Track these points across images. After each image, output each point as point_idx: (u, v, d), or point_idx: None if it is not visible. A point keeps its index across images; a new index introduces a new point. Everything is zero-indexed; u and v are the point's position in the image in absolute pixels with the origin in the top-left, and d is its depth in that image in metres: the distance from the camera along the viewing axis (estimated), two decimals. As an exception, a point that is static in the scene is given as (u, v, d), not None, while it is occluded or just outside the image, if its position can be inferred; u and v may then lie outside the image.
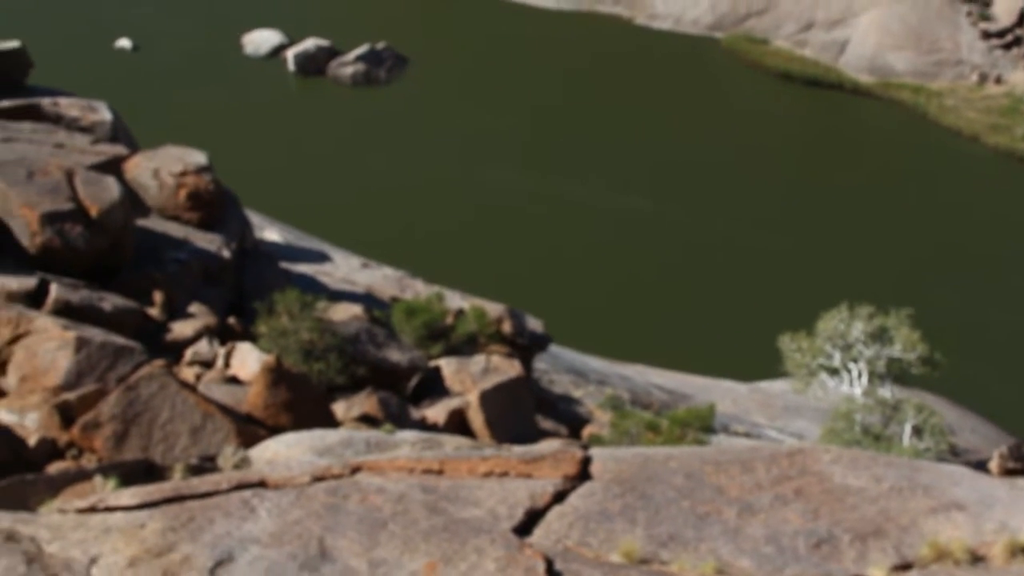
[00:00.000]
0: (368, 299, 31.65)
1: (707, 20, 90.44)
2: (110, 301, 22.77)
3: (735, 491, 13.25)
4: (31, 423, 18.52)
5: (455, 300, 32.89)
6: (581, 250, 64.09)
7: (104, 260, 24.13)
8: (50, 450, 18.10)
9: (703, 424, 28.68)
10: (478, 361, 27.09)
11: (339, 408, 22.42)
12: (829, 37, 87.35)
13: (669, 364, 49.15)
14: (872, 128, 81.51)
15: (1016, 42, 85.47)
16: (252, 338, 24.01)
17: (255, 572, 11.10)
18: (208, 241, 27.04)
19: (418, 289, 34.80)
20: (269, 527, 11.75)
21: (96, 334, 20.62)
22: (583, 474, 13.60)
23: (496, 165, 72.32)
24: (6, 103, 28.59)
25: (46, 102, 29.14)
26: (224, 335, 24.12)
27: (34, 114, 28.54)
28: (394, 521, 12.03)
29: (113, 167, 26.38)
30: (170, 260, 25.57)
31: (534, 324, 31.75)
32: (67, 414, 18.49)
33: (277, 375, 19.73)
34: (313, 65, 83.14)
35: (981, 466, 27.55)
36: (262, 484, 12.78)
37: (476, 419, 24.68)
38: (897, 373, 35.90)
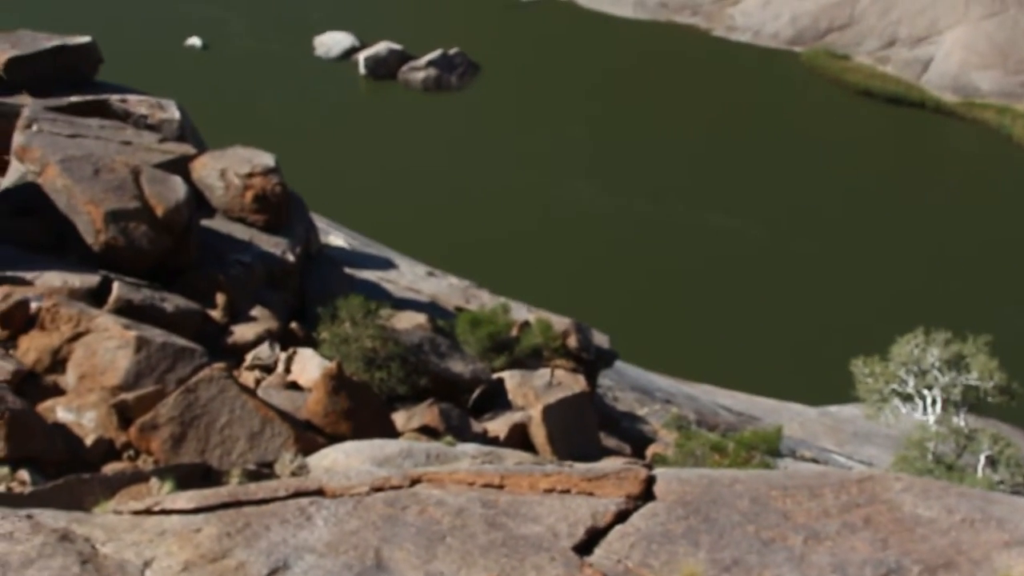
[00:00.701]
0: (432, 308, 31.34)
1: (787, 34, 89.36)
2: (172, 302, 22.63)
3: (802, 517, 13.00)
4: (88, 422, 18.45)
5: (521, 312, 32.49)
6: (650, 265, 63.42)
7: (167, 260, 24.01)
8: (106, 450, 18.10)
9: (770, 447, 28.21)
10: (542, 375, 26.69)
11: (399, 418, 22.13)
12: (912, 54, 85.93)
13: (737, 384, 48.44)
14: (953, 149, 79.94)
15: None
16: (314, 344, 23.80)
17: (309, 581, 10.91)
18: (273, 244, 26.85)
19: (484, 300, 34.42)
20: (325, 536, 11.62)
21: (157, 334, 20.46)
22: (646, 494, 13.39)
23: (566, 175, 71.79)
24: (75, 98, 28.59)
25: (115, 98, 29.10)
26: (285, 340, 23.94)
27: (102, 110, 28.48)
28: (452, 535, 11.88)
29: (180, 166, 26.24)
30: (234, 262, 25.38)
31: (600, 339, 31.32)
32: (125, 414, 18.46)
33: (338, 382, 19.57)
34: (384, 69, 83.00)
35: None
36: (320, 492, 12.66)
37: (538, 434, 24.26)
38: (973, 402, 35.06)
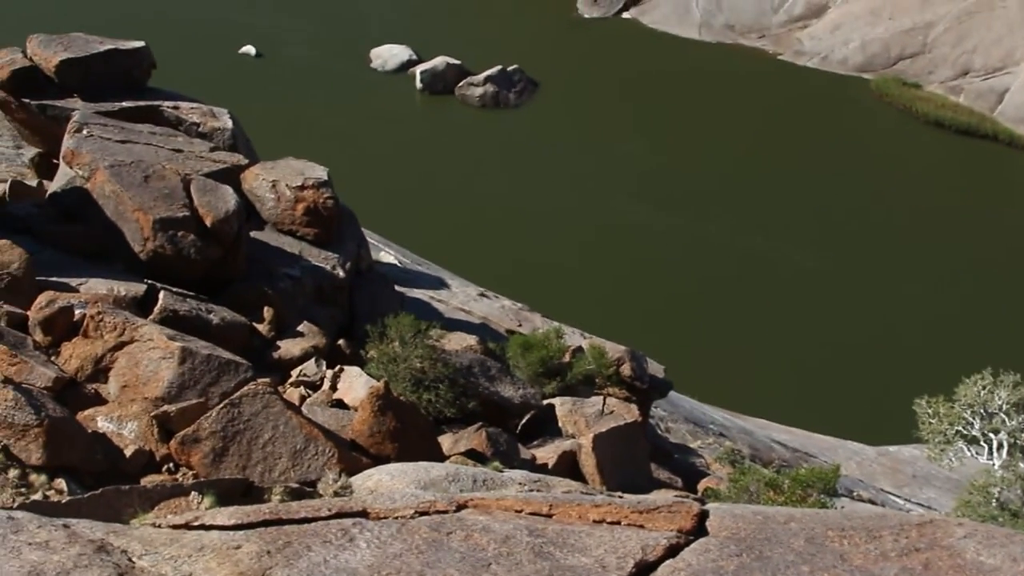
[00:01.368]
0: (484, 330, 30.87)
1: (856, 60, 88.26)
2: (218, 313, 22.26)
3: (858, 559, 12.43)
4: (129, 433, 18.11)
5: (574, 337, 31.97)
6: (709, 292, 62.50)
7: (215, 271, 23.67)
8: (146, 462, 17.77)
9: (826, 486, 27.41)
10: (594, 403, 26.12)
11: (446, 441, 21.64)
12: (986, 85, 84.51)
13: (793, 420, 47.50)
14: (1025, 185, 78.44)
15: None
16: (361, 362, 23.39)
17: (349, 604, 10.52)
18: (323, 259, 26.47)
19: (536, 323, 33.90)
20: (368, 559, 11.21)
21: (202, 346, 20.08)
22: (698, 529, 12.88)
23: (624, 197, 70.89)
24: (126, 103, 28.34)
25: (167, 105, 28.84)
26: (332, 357, 23.53)
27: (154, 116, 28.22)
28: (498, 562, 11.41)
29: (231, 176, 25.91)
30: (282, 276, 25.02)
31: (655, 368, 30.78)
32: (166, 427, 18.11)
33: (385, 402, 19.14)
34: (441, 83, 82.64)
35: None
36: (363, 514, 12.23)
37: (588, 463, 23.66)
38: (1040, 447, 33.96)
